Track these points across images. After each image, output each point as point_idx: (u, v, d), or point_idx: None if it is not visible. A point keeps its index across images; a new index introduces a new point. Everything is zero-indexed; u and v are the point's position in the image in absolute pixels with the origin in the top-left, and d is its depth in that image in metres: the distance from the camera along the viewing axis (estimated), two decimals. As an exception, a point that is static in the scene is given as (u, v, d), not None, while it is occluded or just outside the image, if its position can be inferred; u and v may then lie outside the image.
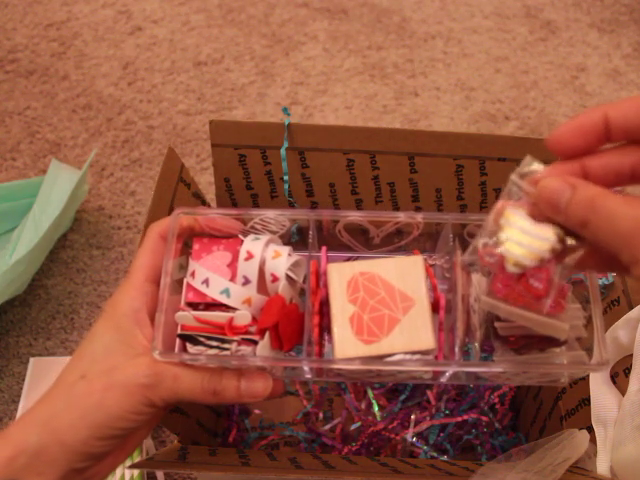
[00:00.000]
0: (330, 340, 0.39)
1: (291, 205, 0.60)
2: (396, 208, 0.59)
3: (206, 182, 0.85)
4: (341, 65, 1.02)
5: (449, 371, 0.39)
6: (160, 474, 0.62)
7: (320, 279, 0.41)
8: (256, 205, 0.61)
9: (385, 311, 0.39)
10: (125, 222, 0.82)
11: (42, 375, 0.68)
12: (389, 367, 0.38)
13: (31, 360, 0.69)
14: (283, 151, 0.56)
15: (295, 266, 0.41)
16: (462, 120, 0.94)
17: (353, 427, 0.64)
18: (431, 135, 0.55)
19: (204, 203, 0.60)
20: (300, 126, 0.56)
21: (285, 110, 0.56)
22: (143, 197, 0.84)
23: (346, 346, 0.38)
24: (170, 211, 0.52)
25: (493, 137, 0.55)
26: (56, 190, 0.75)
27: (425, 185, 0.58)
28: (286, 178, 0.58)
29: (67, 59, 1.01)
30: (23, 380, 0.68)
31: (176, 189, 0.54)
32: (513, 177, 0.32)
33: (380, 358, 0.38)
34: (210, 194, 0.81)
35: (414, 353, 0.38)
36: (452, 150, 0.55)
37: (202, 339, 0.37)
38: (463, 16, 1.10)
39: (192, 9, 1.09)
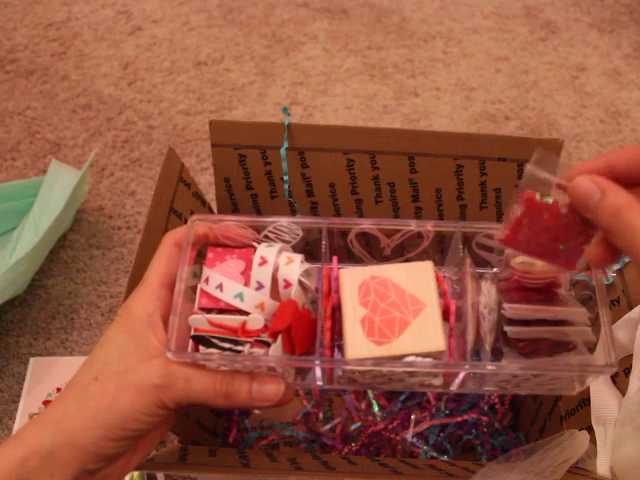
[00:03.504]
0: (341, 347, 0.40)
1: (291, 205, 0.60)
2: (396, 208, 0.59)
3: (206, 182, 0.85)
4: (341, 65, 1.02)
5: (461, 374, 0.39)
6: (160, 474, 0.62)
7: (332, 284, 0.41)
8: (256, 205, 0.61)
9: (396, 314, 0.39)
10: (125, 222, 0.82)
11: (42, 375, 0.68)
12: (401, 368, 0.38)
13: (31, 360, 0.69)
14: (283, 151, 0.56)
15: (307, 275, 0.41)
16: (462, 120, 0.94)
17: (353, 427, 0.64)
18: (431, 135, 0.55)
19: (204, 203, 0.60)
20: (300, 126, 0.56)
21: (285, 110, 0.56)
22: (143, 197, 0.84)
23: (358, 347, 0.38)
24: (170, 211, 0.52)
25: (493, 137, 0.55)
26: (56, 190, 0.75)
27: (425, 185, 0.58)
28: (286, 178, 0.58)
29: (67, 59, 1.01)
30: (23, 380, 0.68)
31: (176, 189, 0.54)
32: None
33: (391, 359, 0.38)
34: (210, 194, 0.81)
35: (425, 355, 0.38)
36: (452, 150, 0.55)
37: (215, 341, 0.37)
38: (463, 16, 1.10)
39: (192, 9, 1.09)
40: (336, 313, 0.41)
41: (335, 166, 0.57)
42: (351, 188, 0.58)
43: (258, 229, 0.43)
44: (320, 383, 0.42)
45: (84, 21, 1.07)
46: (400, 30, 1.07)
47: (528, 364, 0.38)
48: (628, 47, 1.05)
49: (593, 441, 0.46)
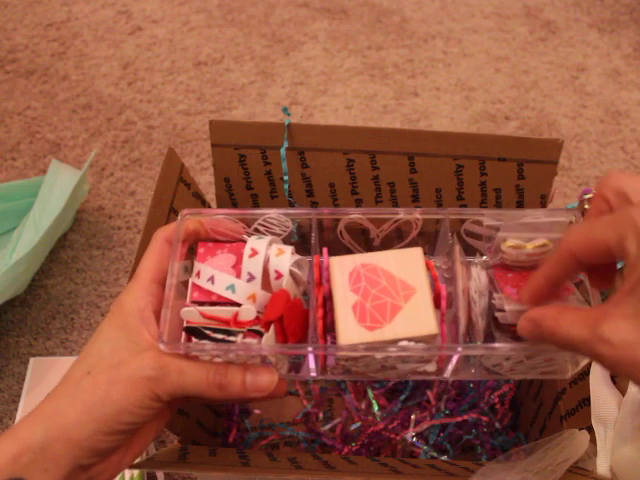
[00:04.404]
0: (333, 337, 0.40)
1: (291, 205, 0.60)
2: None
3: (206, 182, 0.85)
4: (341, 65, 1.02)
5: (454, 357, 0.39)
6: (160, 474, 0.62)
7: (323, 274, 0.41)
8: (256, 205, 0.61)
9: (387, 299, 0.39)
10: (125, 222, 0.82)
11: (42, 375, 0.68)
12: (394, 352, 0.38)
13: (31, 360, 0.69)
14: (283, 151, 0.56)
15: (298, 267, 0.42)
16: (462, 120, 0.94)
17: (353, 427, 0.64)
18: (431, 135, 0.55)
19: (204, 203, 0.60)
20: (300, 126, 0.56)
21: (285, 110, 0.56)
22: (143, 197, 0.84)
23: (350, 333, 0.38)
24: (170, 211, 0.52)
25: (493, 137, 0.55)
26: (56, 190, 0.75)
27: (425, 185, 0.58)
28: (286, 178, 0.58)
29: (67, 59, 1.01)
30: (23, 380, 0.68)
31: (176, 189, 0.54)
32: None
33: (384, 344, 0.38)
34: (210, 194, 0.81)
35: (418, 340, 0.38)
36: (452, 150, 0.55)
37: (208, 332, 0.38)
38: (463, 16, 1.10)
39: (192, 9, 1.09)
40: (327, 303, 0.41)
41: (335, 166, 0.57)
42: (351, 188, 0.58)
43: (248, 222, 0.43)
44: (314, 374, 0.42)
45: (84, 21, 1.07)
46: (400, 30, 1.07)
47: (520, 345, 0.38)
48: (628, 47, 1.05)
49: (593, 441, 0.46)
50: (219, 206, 0.61)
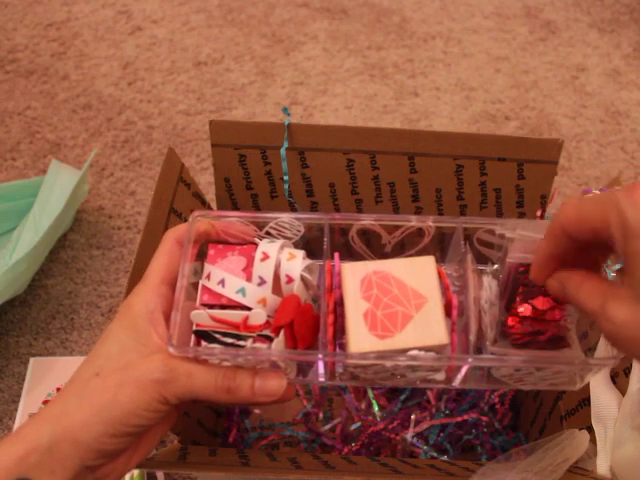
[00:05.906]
0: (343, 345, 0.40)
1: (291, 205, 0.60)
2: (396, 208, 0.59)
3: (206, 182, 0.85)
4: (341, 65, 1.02)
5: (464, 368, 0.39)
6: (160, 474, 0.62)
7: (334, 280, 0.41)
8: (256, 205, 0.61)
9: (398, 308, 0.39)
10: (125, 222, 0.82)
11: (42, 375, 0.68)
12: (404, 361, 0.38)
13: (31, 360, 0.69)
14: (283, 151, 0.56)
15: (309, 271, 0.41)
16: (462, 120, 0.94)
17: (353, 427, 0.64)
18: (431, 135, 0.55)
19: (204, 203, 0.60)
20: (300, 126, 0.56)
21: (285, 110, 0.56)
22: (143, 197, 0.84)
23: (360, 341, 0.38)
24: (170, 211, 0.52)
25: (493, 137, 0.55)
26: (56, 190, 0.75)
27: (425, 185, 0.58)
28: (286, 178, 0.58)
29: (67, 59, 1.01)
30: (23, 380, 0.68)
31: (176, 189, 0.54)
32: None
33: (394, 353, 0.38)
34: (210, 194, 0.81)
35: (428, 349, 0.38)
36: (452, 150, 0.55)
37: (218, 336, 0.37)
38: (463, 16, 1.10)
39: (192, 9, 1.09)
40: (338, 309, 0.41)
41: (335, 166, 0.57)
42: (351, 188, 0.58)
43: (259, 225, 0.43)
44: (322, 379, 0.41)
45: (84, 21, 1.07)
46: (400, 30, 1.07)
47: (531, 357, 0.38)
48: (628, 47, 1.05)
49: (593, 441, 0.46)
50: (219, 206, 0.61)
